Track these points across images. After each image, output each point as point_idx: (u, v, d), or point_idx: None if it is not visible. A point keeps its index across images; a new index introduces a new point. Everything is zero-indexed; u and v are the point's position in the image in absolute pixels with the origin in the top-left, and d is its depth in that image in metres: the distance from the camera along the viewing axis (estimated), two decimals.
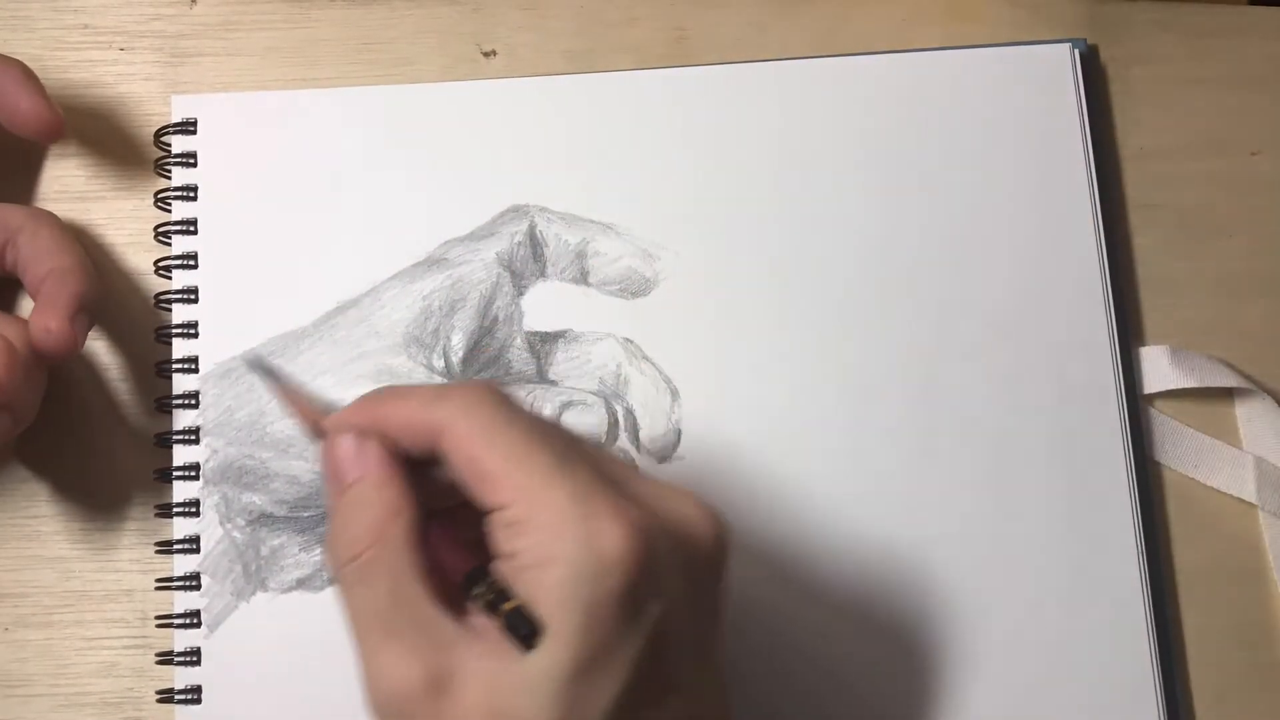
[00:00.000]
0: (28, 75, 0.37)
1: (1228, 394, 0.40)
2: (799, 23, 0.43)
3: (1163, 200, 0.42)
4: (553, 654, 0.26)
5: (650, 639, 0.27)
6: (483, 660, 0.27)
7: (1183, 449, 0.40)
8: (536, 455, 0.27)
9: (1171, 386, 0.39)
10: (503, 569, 0.28)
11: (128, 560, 0.38)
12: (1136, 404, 0.40)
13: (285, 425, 0.38)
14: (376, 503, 0.29)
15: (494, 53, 0.42)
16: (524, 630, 0.26)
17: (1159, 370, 0.40)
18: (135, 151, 0.41)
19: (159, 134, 0.41)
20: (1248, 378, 0.40)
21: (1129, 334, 0.40)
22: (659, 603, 0.27)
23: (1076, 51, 0.41)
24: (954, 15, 0.43)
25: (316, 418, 0.32)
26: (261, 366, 0.36)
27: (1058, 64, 0.41)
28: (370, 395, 0.31)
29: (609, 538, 0.26)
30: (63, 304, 0.35)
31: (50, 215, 0.38)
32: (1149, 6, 0.43)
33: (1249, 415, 0.40)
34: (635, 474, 0.29)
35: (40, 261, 0.36)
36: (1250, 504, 0.39)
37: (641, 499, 0.28)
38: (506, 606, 0.27)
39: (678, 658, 0.28)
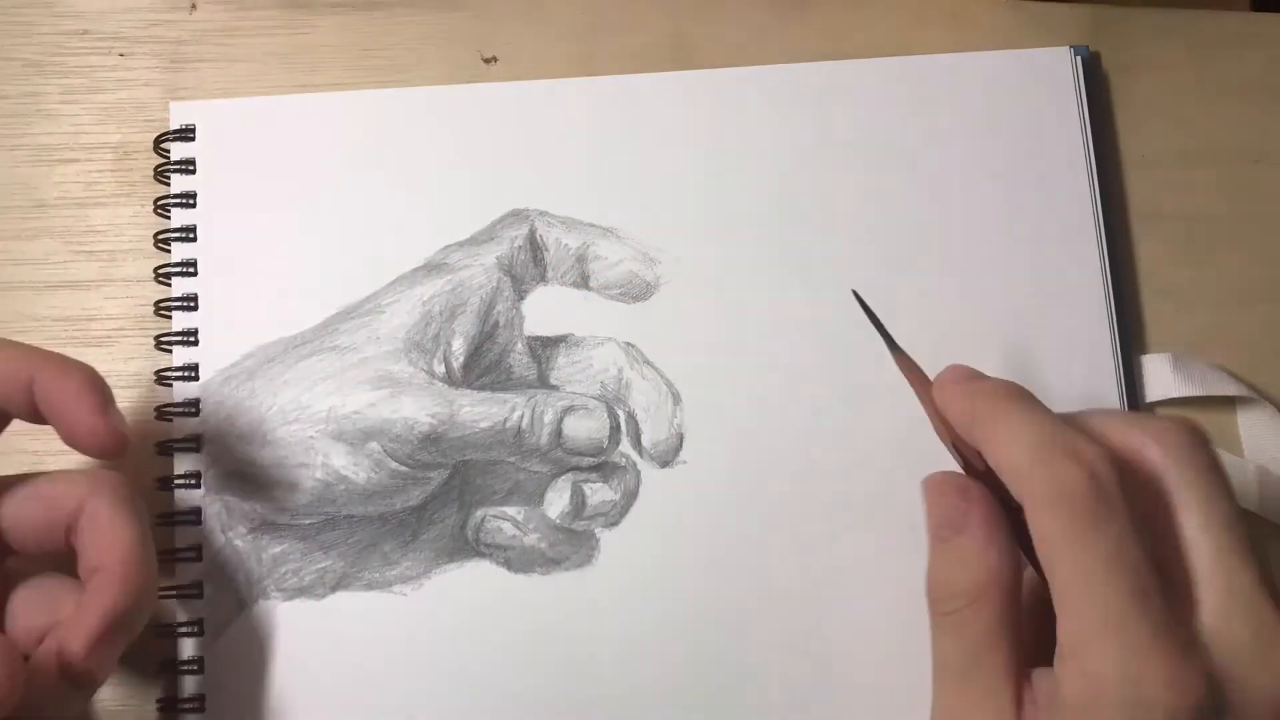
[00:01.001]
0: (88, 388, 0.32)
1: (1230, 403, 0.40)
2: (801, 28, 0.43)
3: (1165, 208, 0.42)
4: None
5: None
6: None
7: None
8: (1111, 586, 0.26)
9: (1173, 395, 0.39)
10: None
11: None
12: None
13: (287, 432, 0.38)
14: (977, 565, 0.30)
15: (495, 59, 0.42)
16: None
17: (1160, 378, 0.39)
18: (135, 158, 0.41)
19: (159, 140, 0.40)
20: (1250, 386, 0.40)
21: (1130, 342, 0.40)
22: None
23: (1079, 57, 0.41)
24: (957, 20, 0.43)
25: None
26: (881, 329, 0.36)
27: (1059, 69, 0.41)
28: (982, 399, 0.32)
29: (1156, 707, 0.26)
30: (87, 627, 0.31)
31: (111, 485, 0.33)
32: (1152, 13, 0.43)
33: (1251, 424, 0.40)
34: (1227, 581, 0.27)
35: (89, 553, 0.33)
36: (1254, 514, 0.39)
37: (1216, 634, 0.27)
38: None
39: None
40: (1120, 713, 0.26)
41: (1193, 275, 0.41)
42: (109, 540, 0.32)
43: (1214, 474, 0.29)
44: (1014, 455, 0.29)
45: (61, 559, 0.34)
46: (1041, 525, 0.28)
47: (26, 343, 0.33)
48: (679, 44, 0.42)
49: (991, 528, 0.30)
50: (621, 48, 0.42)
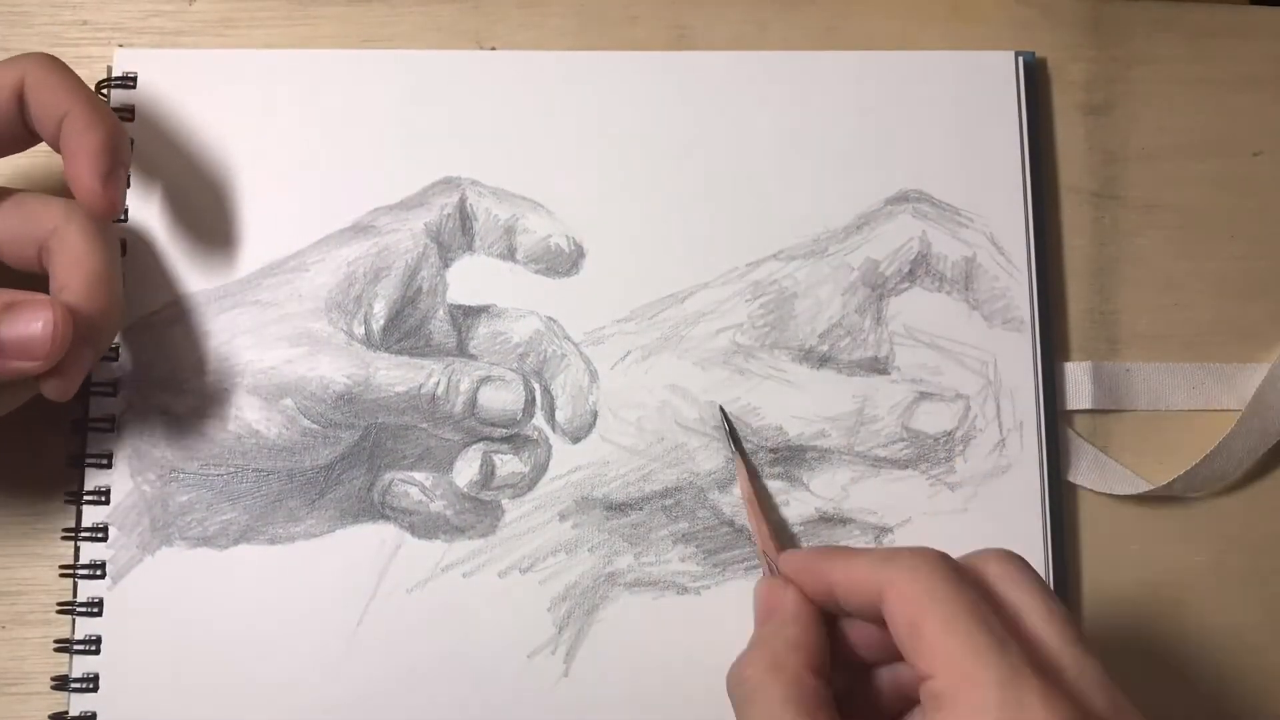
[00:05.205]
0: (105, 149, 0.34)
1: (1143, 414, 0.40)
2: (800, 20, 0.42)
3: (1164, 200, 0.42)
4: None
5: None
6: None
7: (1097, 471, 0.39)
8: (974, 631, 0.28)
9: (1087, 406, 0.39)
10: None
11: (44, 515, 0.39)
12: (1055, 421, 0.39)
13: (203, 382, 0.38)
14: (779, 637, 0.32)
15: (494, 49, 0.42)
16: None
17: (1079, 388, 0.39)
18: None
19: (99, 86, 0.40)
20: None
21: (1052, 349, 0.40)
22: None
23: (1021, 60, 0.41)
24: (957, 14, 0.42)
25: (771, 545, 0.36)
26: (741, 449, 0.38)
27: (1002, 74, 0.41)
28: (822, 550, 0.34)
29: None
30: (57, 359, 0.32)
31: (85, 214, 0.35)
32: (1151, 6, 0.43)
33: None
34: (1077, 659, 0.28)
35: (59, 272, 0.34)
36: None
37: (1076, 691, 0.27)
38: None
39: None
40: None
41: (1192, 267, 0.41)
42: (77, 259, 0.34)
43: (937, 573, 0.30)
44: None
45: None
46: (903, 590, 0.29)
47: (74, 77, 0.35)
48: (678, 37, 0.42)
49: (799, 609, 0.32)
50: (621, 40, 0.42)
